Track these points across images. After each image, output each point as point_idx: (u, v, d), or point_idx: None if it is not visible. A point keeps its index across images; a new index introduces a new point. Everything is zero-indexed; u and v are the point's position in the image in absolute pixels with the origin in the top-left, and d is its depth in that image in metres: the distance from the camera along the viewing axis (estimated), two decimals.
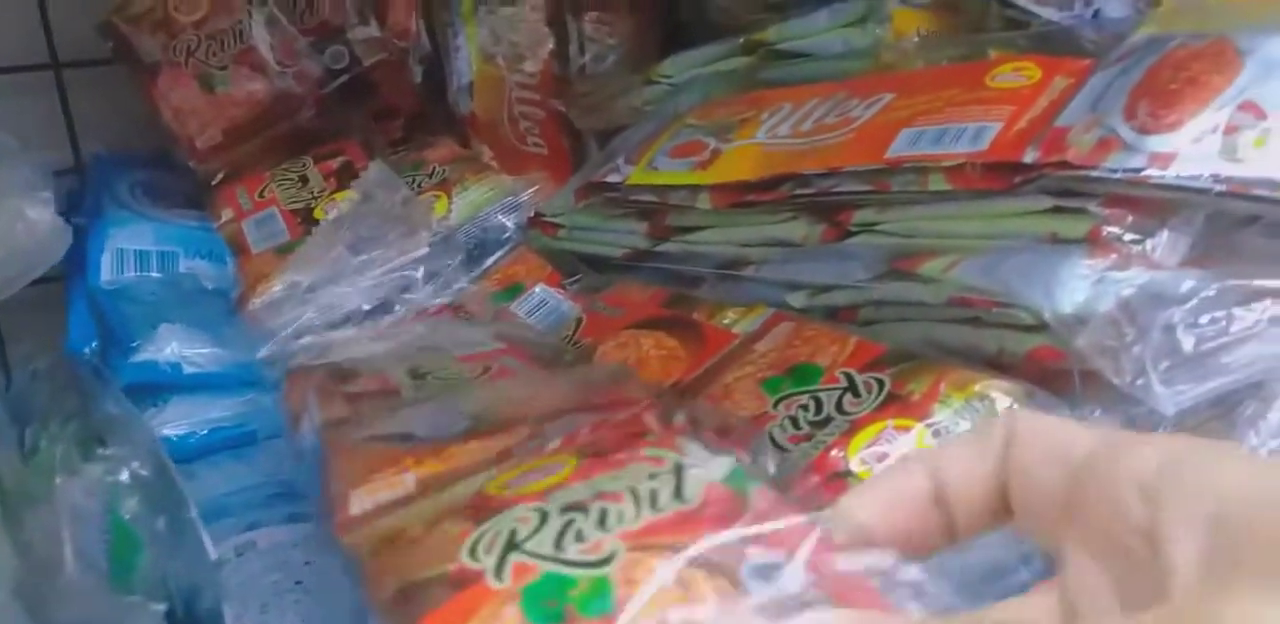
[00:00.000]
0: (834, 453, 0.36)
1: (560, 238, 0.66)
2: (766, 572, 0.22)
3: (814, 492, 0.35)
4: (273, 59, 0.74)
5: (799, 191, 0.52)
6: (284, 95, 0.74)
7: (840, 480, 0.35)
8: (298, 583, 0.42)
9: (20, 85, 0.78)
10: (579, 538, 0.26)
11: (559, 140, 0.86)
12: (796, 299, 0.53)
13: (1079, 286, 0.39)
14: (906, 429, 0.36)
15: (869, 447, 0.36)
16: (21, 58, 0.78)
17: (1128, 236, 0.40)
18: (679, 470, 0.28)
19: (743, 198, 0.54)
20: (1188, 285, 0.36)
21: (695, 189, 0.57)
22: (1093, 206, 0.41)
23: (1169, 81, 0.43)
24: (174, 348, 0.55)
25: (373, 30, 0.79)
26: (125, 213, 0.68)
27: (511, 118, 0.87)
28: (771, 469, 0.31)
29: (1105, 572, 0.19)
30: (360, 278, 0.56)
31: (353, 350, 0.49)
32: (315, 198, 0.64)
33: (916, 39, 0.60)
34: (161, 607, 0.36)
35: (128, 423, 0.42)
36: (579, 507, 0.27)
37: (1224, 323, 0.36)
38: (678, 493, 0.27)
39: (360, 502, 0.33)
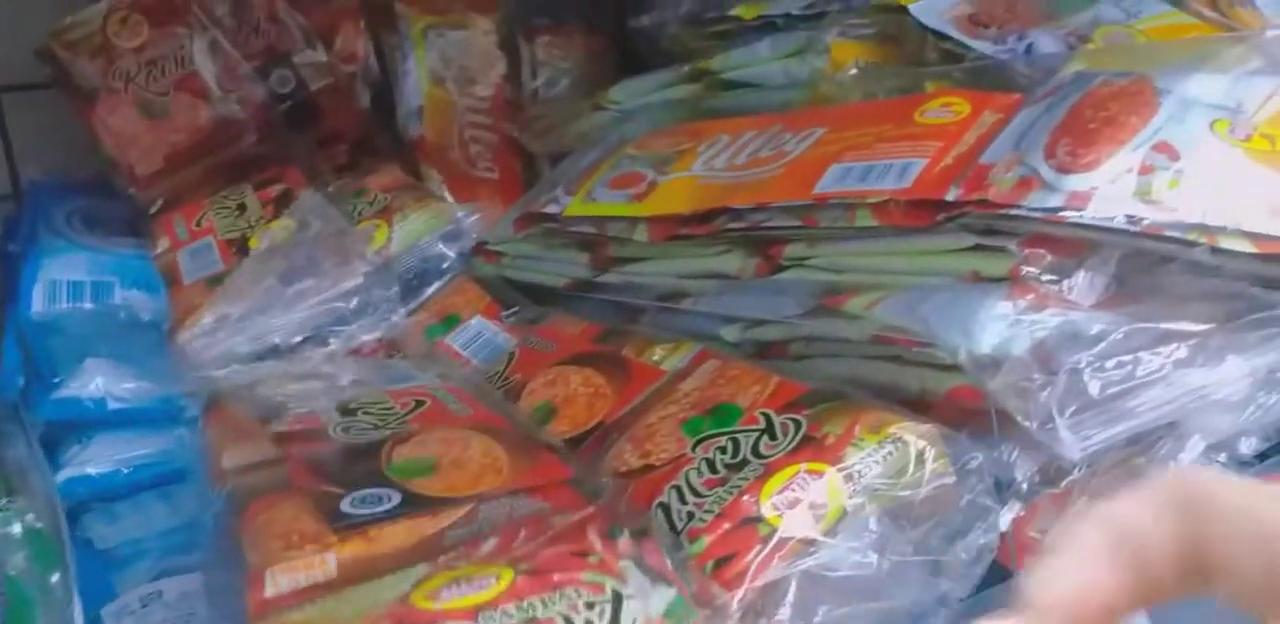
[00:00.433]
0: (746, 498, 0.36)
1: (503, 266, 0.66)
2: None
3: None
4: (215, 84, 0.73)
5: (731, 225, 0.51)
6: (226, 121, 0.73)
7: (751, 526, 0.35)
8: None
9: None
10: None
11: (511, 164, 0.86)
12: (730, 333, 0.53)
13: (996, 328, 0.39)
14: (819, 474, 0.36)
15: (780, 492, 0.35)
16: None
17: (1045, 277, 0.40)
18: (617, 601, 0.27)
19: (678, 230, 0.54)
20: (1096, 329, 0.36)
21: (633, 221, 0.56)
22: (1012, 246, 0.41)
23: (1089, 120, 0.43)
24: (99, 383, 0.54)
25: (319, 54, 0.79)
26: (61, 242, 0.67)
27: (462, 142, 0.86)
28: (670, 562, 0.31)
29: None
30: (292, 309, 0.56)
31: (280, 385, 0.48)
32: (251, 226, 0.63)
33: (855, 70, 0.60)
34: None
35: (33, 471, 0.41)
36: None
37: (1130, 367, 0.36)
38: None
39: (275, 582, 0.31)
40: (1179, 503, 0.20)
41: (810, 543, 0.35)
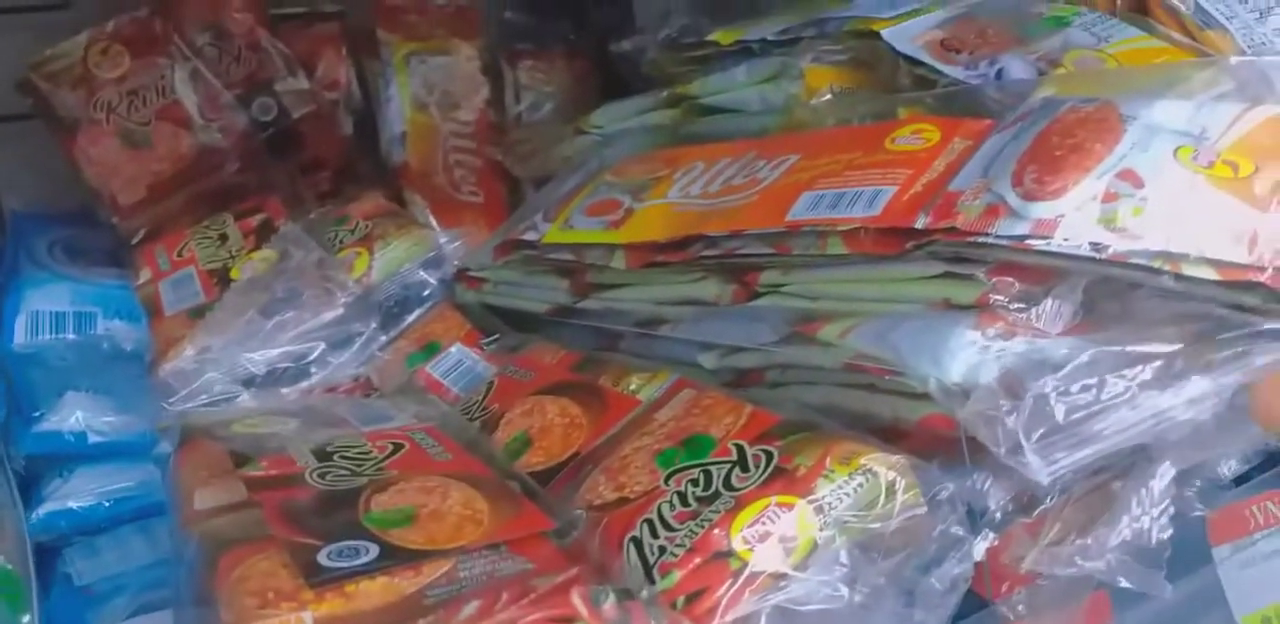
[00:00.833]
0: (716, 532, 0.36)
1: (485, 292, 0.66)
2: None
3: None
4: (197, 113, 0.74)
5: (707, 252, 0.52)
6: (208, 150, 0.73)
7: (722, 560, 0.35)
8: None
9: None
10: None
11: (495, 188, 0.86)
12: (708, 360, 0.53)
13: (965, 356, 0.39)
14: (789, 506, 0.36)
15: (751, 525, 0.36)
16: None
17: (1014, 304, 0.40)
18: None
19: (655, 257, 0.54)
20: (1063, 354, 0.36)
21: (610, 248, 0.57)
22: (981, 273, 0.41)
23: (1055, 147, 0.43)
24: (79, 417, 0.54)
25: (301, 82, 0.79)
26: (43, 273, 0.67)
27: (446, 166, 0.87)
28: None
29: None
30: (272, 342, 0.56)
31: (256, 423, 0.48)
32: (232, 256, 0.63)
33: (829, 96, 0.61)
34: None
35: (6, 509, 0.41)
36: None
37: (1096, 390, 0.36)
38: None
39: None
40: None
41: (781, 577, 0.35)
